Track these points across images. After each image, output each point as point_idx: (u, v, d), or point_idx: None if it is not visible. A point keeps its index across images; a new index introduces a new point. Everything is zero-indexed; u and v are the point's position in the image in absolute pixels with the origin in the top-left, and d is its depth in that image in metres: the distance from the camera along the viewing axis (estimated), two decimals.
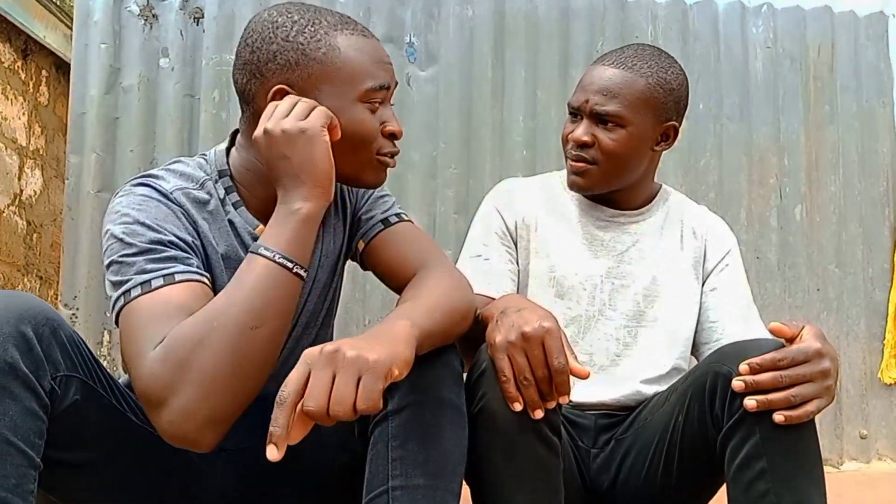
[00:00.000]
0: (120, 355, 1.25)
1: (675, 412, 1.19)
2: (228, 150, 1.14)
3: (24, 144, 3.34)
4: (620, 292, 1.39)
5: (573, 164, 1.36)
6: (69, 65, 2.38)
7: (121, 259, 1.00)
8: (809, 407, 1.02)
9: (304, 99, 1.01)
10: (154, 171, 1.10)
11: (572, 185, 1.38)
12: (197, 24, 2.27)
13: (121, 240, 1.00)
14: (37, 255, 3.46)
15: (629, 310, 1.37)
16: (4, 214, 3.18)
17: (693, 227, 1.45)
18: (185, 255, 1.02)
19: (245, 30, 1.09)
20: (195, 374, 0.89)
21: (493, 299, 1.27)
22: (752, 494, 1.05)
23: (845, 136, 2.61)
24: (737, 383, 1.04)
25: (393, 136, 1.10)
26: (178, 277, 0.98)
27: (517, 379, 1.00)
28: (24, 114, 3.34)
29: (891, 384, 2.53)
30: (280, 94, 1.04)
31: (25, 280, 3.35)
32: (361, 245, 1.18)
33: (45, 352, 0.90)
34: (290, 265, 0.97)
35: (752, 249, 2.51)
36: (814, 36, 2.62)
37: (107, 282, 1.02)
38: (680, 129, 1.38)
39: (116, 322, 1.00)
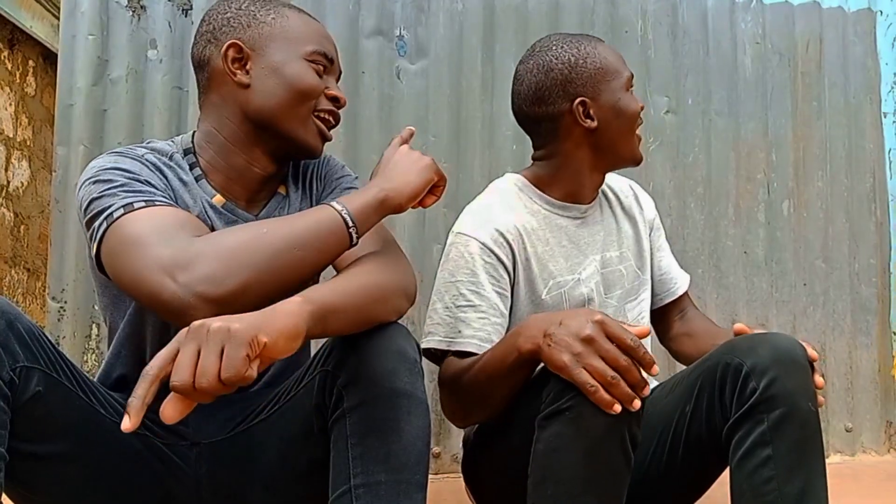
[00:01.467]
0: (106, 347, 1.25)
1: (683, 403, 1.21)
2: (194, 134, 1.24)
3: (10, 135, 3.32)
4: (611, 279, 1.46)
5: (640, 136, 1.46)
6: (56, 55, 2.36)
7: (99, 195, 1.04)
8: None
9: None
10: (123, 147, 1.18)
11: (641, 160, 1.46)
12: (185, 16, 2.25)
13: (97, 181, 1.05)
14: (24, 246, 3.43)
15: (623, 293, 1.46)
16: None
17: (622, 202, 1.55)
18: (162, 194, 1.08)
19: (205, 14, 1.22)
20: (228, 255, 0.94)
21: (474, 357, 1.27)
22: (755, 480, 1.07)
23: (833, 132, 2.62)
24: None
25: (336, 101, 1.21)
26: (158, 203, 1.03)
27: (604, 384, 1.00)
28: (10, 104, 3.31)
29: None
30: (234, 49, 1.15)
31: (13, 272, 3.33)
32: None
33: (1, 344, 0.91)
34: (349, 222, 1.03)
35: (740, 244, 2.52)
36: (802, 31, 2.63)
37: (83, 226, 1.05)
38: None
39: (98, 258, 1.02)
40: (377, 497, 0.95)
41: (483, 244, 1.35)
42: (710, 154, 2.54)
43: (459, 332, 1.31)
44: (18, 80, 3.45)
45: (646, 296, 1.50)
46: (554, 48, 1.42)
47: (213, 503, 1.16)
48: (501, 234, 1.36)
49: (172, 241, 0.95)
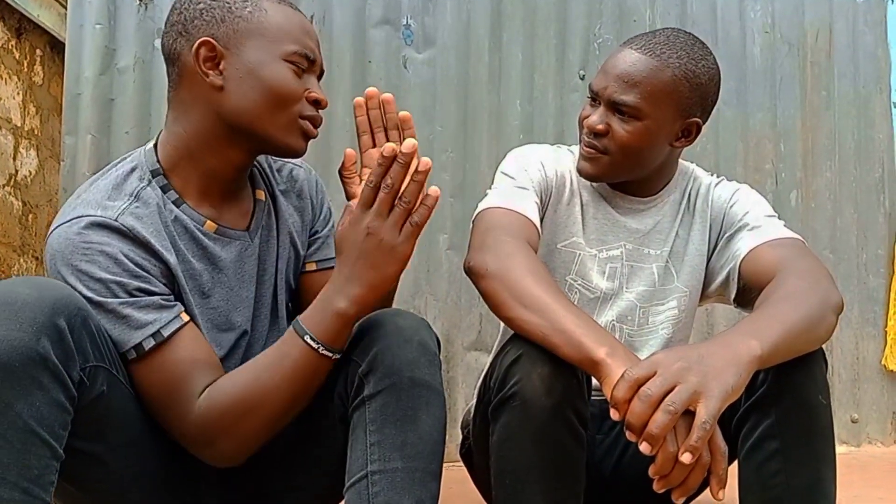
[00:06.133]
0: None
1: None
2: (157, 145, 1.13)
3: (18, 124, 3.32)
4: (638, 274, 1.37)
5: (585, 149, 1.30)
6: (63, 44, 2.36)
7: (106, 307, 1.00)
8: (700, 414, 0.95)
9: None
10: (89, 198, 1.06)
11: (580, 171, 1.33)
12: None
13: (88, 298, 0.99)
14: (32, 235, 3.45)
15: (645, 291, 1.36)
16: None
17: (696, 208, 1.39)
18: (154, 296, 1.03)
19: (175, 1, 1.12)
20: (237, 435, 1.02)
21: (514, 211, 1.25)
22: (763, 473, 1.07)
23: (841, 123, 2.61)
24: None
25: (317, 104, 1.12)
26: (164, 333, 1.02)
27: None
28: (18, 93, 3.31)
29: (894, 370, 2.55)
30: (206, 47, 1.06)
31: (21, 261, 3.34)
32: (312, 267, 1.24)
33: (76, 342, 0.91)
34: (330, 354, 1.02)
35: None
36: (812, 21, 2.61)
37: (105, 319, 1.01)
38: (703, 127, 1.31)
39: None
40: (393, 484, 0.96)
41: (538, 157, 1.36)
42: (717, 144, 2.53)
43: (503, 195, 1.31)
44: (26, 70, 3.45)
45: (676, 304, 1.37)
46: None
47: (239, 492, 1.17)
48: (549, 160, 1.37)
49: (188, 409, 1.02)
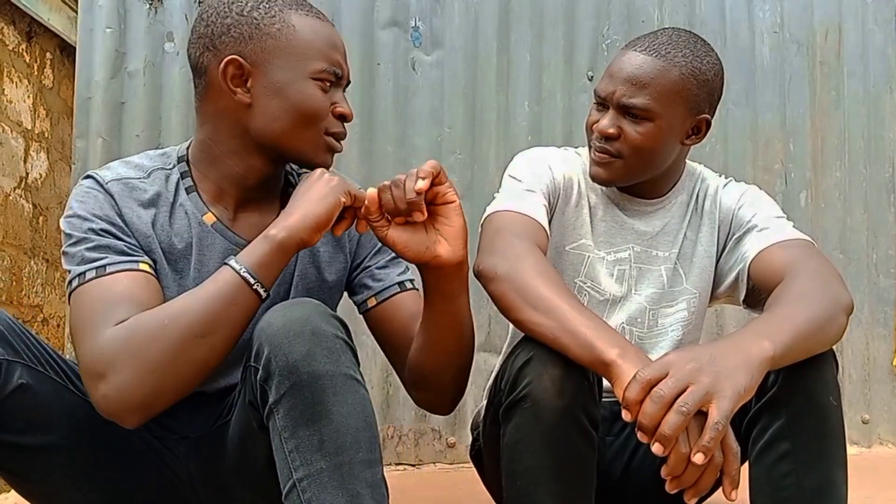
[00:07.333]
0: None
1: None
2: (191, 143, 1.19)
3: (29, 128, 3.34)
4: (646, 276, 1.37)
5: (597, 154, 1.30)
6: (73, 47, 2.38)
7: (65, 251, 1.07)
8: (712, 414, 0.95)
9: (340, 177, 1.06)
10: (110, 163, 1.16)
11: (594, 176, 1.33)
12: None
13: (64, 233, 1.08)
14: (43, 237, 3.47)
15: (654, 293, 1.37)
16: (10, 198, 3.19)
17: (704, 209, 1.39)
18: (118, 241, 1.07)
19: (201, 6, 1.14)
20: (137, 361, 0.95)
21: (522, 214, 1.25)
22: (774, 474, 1.07)
23: (851, 122, 2.59)
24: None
25: (343, 118, 1.13)
26: (108, 269, 1.04)
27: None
28: (28, 97, 3.33)
29: None
30: (233, 65, 1.07)
31: (32, 263, 3.36)
32: (373, 302, 1.21)
33: None
34: (251, 280, 0.99)
35: None
36: (821, 20, 2.60)
37: None
38: (712, 123, 1.32)
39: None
40: (322, 486, 0.92)
41: (546, 160, 1.36)
42: (727, 144, 2.52)
43: (510, 198, 1.31)
44: (36, 73, 3.47)
45: (685, 306, 1.37)
46: None
47: (205, 494, 1.18)
48: (558, 163, 1.36)
49: (97, 336, 0.97)
